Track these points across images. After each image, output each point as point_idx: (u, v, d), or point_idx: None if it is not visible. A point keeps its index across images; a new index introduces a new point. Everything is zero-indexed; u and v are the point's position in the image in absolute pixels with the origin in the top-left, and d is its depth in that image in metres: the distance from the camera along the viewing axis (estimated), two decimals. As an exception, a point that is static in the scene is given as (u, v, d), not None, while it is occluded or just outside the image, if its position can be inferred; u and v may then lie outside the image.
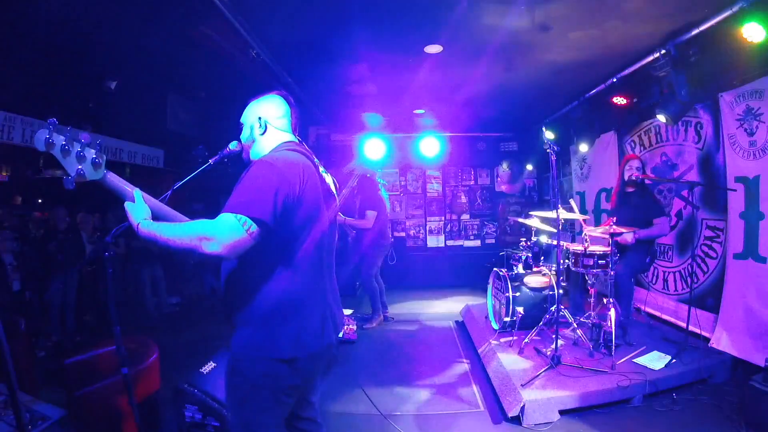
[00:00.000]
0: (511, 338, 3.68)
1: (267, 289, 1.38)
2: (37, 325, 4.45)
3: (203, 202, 6.65)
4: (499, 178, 7.71)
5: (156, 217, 1.42)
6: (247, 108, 1.64)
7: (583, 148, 5.65)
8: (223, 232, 1.24)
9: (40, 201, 8.60)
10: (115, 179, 1.39)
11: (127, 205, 1.38)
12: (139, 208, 1.37)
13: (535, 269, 4.22)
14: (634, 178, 3.66)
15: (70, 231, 4.88)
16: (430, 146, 6.90)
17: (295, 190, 1.37)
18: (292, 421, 1.63)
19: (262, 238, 1.32)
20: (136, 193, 1.40)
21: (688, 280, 3.90)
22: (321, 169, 1.59)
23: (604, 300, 3.47)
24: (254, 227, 1.27)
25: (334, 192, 1.66)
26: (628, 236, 3.50)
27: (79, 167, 1.29)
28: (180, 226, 1.31)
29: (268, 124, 1.58)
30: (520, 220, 4.61)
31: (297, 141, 1.62)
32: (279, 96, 1.65)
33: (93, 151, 1.31)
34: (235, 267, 1.44)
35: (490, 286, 4.35)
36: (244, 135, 1.62)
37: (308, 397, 1.66)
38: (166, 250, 1.30)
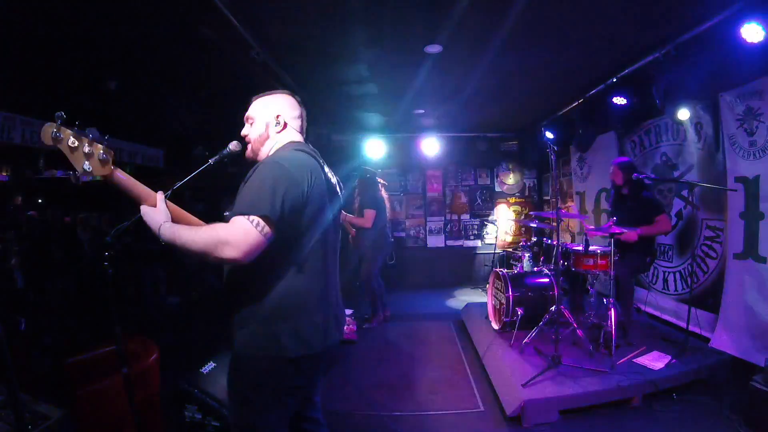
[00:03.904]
0: (511, 338, 3.68)
1: (271, 287, 1.38)
2: (36, 324, 4.45)
3: (203, 202, 6.66)
4: (498, 178, 7.72)
5: (176, 220, 1.42)
6: (258, 102, 1.61)
7: (583, 148, 5.65)
8: (239, 236, 1.25)
9: (39, 201, 8.60)
10: (124, 177, 1.36)
11: (146, 208, 1.38)
12: (159, 212, 1.38)
13: (535, 269, 4.22)
14: (618, 183, 3.75)
15: (67, 231, 4.88)
16: (430, 146, 6.90)
17: (303, 191, 1.37)
18: (296, 421, 1.63)
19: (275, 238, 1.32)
20: (158, 196, 1.41)
21: (688, 280, 3.90)
22: (326, 168, 1.59)
23: (604, 300, 3.47)
24: (267, 228, 1.28)
25: (339, 192, 1.66)
26: (631, 234, 3.48)
27: (86, 163, 1.25)
28: (198, 231, 1.32)
29: (287, 122, 1.58)
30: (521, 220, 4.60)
31: (303, 141, 1.62)
32: (292, 96, 1.65)
33: (100, 147, 1.28)
34: (239, 266, 1.44)
35: (490, 286, 4.35)
36: (256, 131, 1.59)
37: (311, 396, 1.66)
38: (185, 254, 1.31)
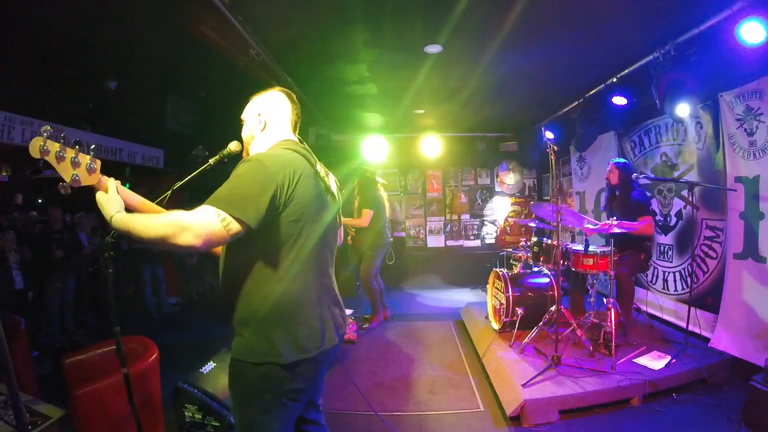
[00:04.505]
0: (511, 338, 3.68)
1: (264, 291, 1.36)
2: (36, 324, 4.46)
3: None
4: (498, 178, 7.72)
5: (135, 211, 1.40)
6: (249, 103, 1.62)
7: (583, 148, 5.65)
8: (201, 225, 1.22)
9: (39, 201, 8.61)
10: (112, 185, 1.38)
11: (100, 195, 1.36)
12: (112, 200, 1.35)
13: (535, 269, 4.22)
14: (612, 183, 3.84)
15: (67, 231, 4.88)
16: (430, 146, 6.90)
17: (283, 192, 1.34)
18: (297, 423, 1.62)
19: (249, 240, 1.31)
20: (110, 182, 1.38)
21: (688, 280, 3.90)
22: (321, 168, 1.56)
23: (604, 300, 3.47)
24: (234, 225, 1.25)
25: (335, 192, 1.63)
26: (612, 221, 3.42)
27: (74, 173, 1.30)
28: (155, 217, 1.28)
29: (266, 121, 1.56)
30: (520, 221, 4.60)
31: (296, 140, 1.58)
32: (281, 92, 1.62)
33: (87, 156, 1.33)
34: (230, 271, 1.43)
35: (490, 286, 4.35)
36: (245, 131, 1.60)
37: (313, 399, 1.65)
38: (140, 242, 1.28)
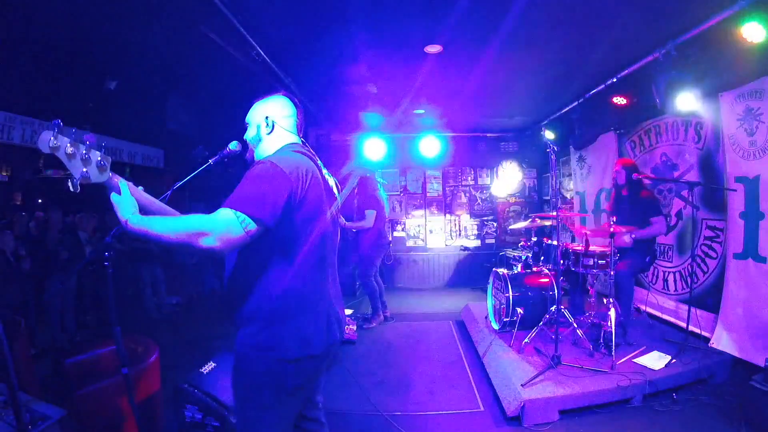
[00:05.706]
0: (511, 338, 3.68)
1: (270, 288, 1.39)
2: (36, 324, 4.45)
3: (203, 202, 6.67)
4: (497, 178, 7.72)
5: (146, 211, 1.39)
6: (253, 107, 1.65)
7: (583, 147, 5.66)
8: (221, 227, 1.25)
9: (40, 201, 8.60)
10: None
11: (114, 197, 1.34)
12: (126, 202, 1.33)
13: (535, 269, 4.23)
14: (620, 182, 3.78)
15: (67, 231, 4.88)
16: (430, 146, 6.90)
17: (297, 192, 1.37)
18: (297, 421, 1.63)
19: (261, 237, 1.33)
20: (122, 183, 1.36)
21: (688, 280, 3.90)
22: (323, 170, 1.60)
23: (604, 300, 3.47)
24: (252, 226, 1.28)
25: (336, 193, 1.67)
26: (626, 237, 3.49)
27: (84, 170, 1.27)
28: (174, 220, 1.28)
29: (275, 123, 1.59)
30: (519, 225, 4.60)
31: (301, 142, 1.62)
32: (285, 96, 1.66)
33: (98, 153, 1.30)
34: (239, 267, 1.45)
35: (490, 286, 4.35)
36: (250, 134, 1.62)
37: (312, 397, 1.67)
38: (158, 245, 1.29)
